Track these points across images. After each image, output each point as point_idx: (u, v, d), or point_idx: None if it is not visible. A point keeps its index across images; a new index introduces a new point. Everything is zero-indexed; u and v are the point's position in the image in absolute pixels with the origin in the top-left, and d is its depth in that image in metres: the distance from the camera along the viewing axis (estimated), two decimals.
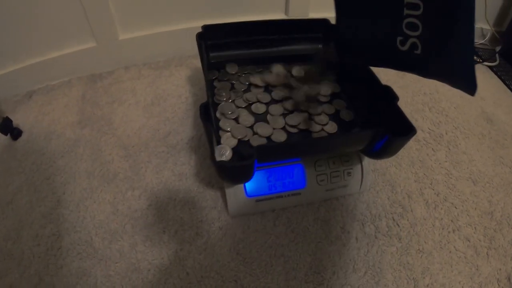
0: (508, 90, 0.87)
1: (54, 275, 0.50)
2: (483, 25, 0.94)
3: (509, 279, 0.52)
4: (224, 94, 0.56)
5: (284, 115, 0.55)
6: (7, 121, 0.66)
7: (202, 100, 0.47)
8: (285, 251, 0.52)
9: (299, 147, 0.44)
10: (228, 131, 0.52)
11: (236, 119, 0.54)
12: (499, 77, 0.89)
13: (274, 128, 0.52)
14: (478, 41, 0.95)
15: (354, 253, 0.53)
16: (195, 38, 0.56)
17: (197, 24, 0.59)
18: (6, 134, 0.67)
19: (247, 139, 0.51)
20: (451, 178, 0.65)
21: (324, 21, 0.63)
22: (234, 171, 0.42)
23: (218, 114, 0.54)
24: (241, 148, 0.50)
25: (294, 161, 0.53)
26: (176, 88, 0.76)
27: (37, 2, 0.68)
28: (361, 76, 0.55)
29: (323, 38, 0.64)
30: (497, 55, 0.92)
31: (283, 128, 0.53)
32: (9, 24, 0.69)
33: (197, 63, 0.79)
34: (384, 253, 0.53)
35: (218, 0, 0.81)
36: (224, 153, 0.48)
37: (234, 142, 0.51)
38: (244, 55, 0.62)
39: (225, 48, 0.61)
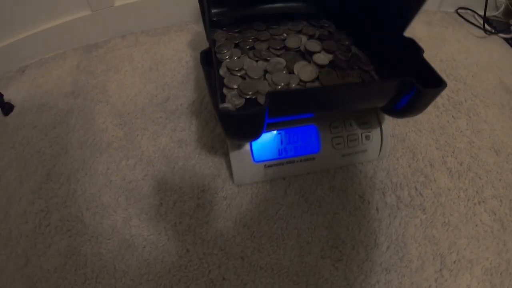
0: None
1: (42, 255, 0.42)
2: None
3: None
4: (225, 51, 0.46)
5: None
6: None
7: None
8: (298, 224, 0.43)
9: (317, 95, 0.34)
10: (235, 89, 0.42)
11: (243, 76, 0.44)
12: None
13: (276, 85, 0.42)
14: (491, 13, 0.85)
15: (375, 226, 0.43)
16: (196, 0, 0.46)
17: None
18: None
19: (254, 96, 0.42)
20: (473, 147, 0.55)
21: None
22: (241, 121, 0.32)
23: (222, 72, 0.45)
24: (247, 108, 0.40)
25: (307, 120, 0.44)
26: (176, 53, 0.66)
27: None
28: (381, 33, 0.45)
29: None
30: (511, 27, 0.82)
31: (288, 85, 0.43)
32: None
33: (198, 28, 0.70)
34: (408, 225, 0.44)
35: None
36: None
37: (240, 101, 0.41)
38: (249, 11, 0.52)
39: (228, 3, 0.51)
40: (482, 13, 0.79)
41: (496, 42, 0.77)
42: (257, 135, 0.35)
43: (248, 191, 0.45)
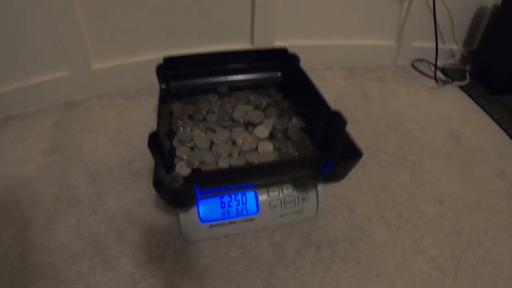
0: (478, 108, 0.87)
1: None
2: (452, 46, 0.96)
3: None
4: (180, 123, 0.58)
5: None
6: None
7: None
8: (238, 276, 0.53)
9: (235, 173, 0.46)
10: (183, 159, 0.54)
11: (192, 147, 0.56)
12: (469, 95, 0.90)
13: (220, 156, 0.53)
14: (447, 61, 0.96)
15: (309, 278, 0.53)
16: None
17: (168, 54, 0.62)
18: None
19: (200, 166, 0.53)
20: (414, 199, 0.66)
21: (283, 50, 0.65)
22: (173, 195, 0.44)
23: (175, 143, 0.57)
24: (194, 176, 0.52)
25: (247, 186, 0.55)
26: (143, 117, 0.79)
27: (16, 31, 0.72)
28: (312, 103, 0.57)
29: (282, 66, 0.67)
30: (467, 74, 0.93)
31: (230, 155, 0.54)
32: None
33: None
34: (341, 278, 0.54)
35: (188, 33, 0.85)
36: (174, 180, 0.51)
37: (187, 170, 0.53)
38: (205, 84, 0.65)
39: (186, 78, 0.64)
40: (438, 63, 0.91)
41: (450, 92, 0.88)
42: (189, 205, 0.46)
43: (196, 248, 0.56)
